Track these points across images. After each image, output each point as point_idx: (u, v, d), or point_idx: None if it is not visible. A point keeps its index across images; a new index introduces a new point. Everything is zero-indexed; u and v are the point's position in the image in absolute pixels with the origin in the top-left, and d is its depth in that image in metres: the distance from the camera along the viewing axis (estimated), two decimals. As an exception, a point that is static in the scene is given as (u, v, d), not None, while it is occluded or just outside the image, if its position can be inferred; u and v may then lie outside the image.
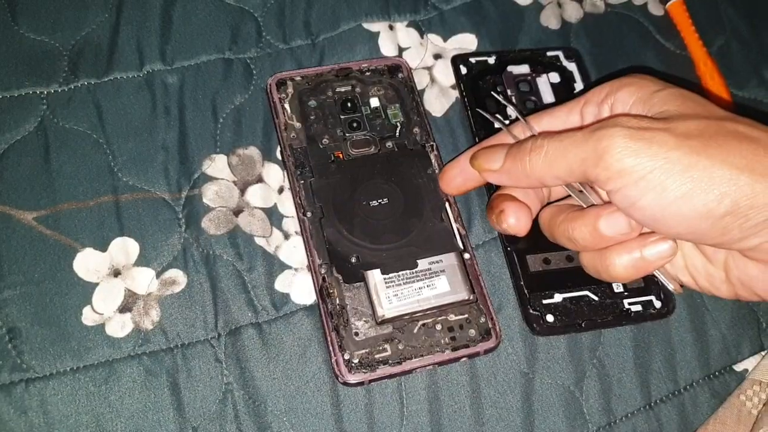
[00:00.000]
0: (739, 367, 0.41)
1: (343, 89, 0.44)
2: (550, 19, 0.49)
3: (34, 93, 0.42)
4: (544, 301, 0.39)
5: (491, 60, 0.46)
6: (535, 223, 0.41)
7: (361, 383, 0.37)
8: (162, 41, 0.44)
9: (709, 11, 0.51)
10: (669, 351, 0.40)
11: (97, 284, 0.38)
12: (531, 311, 0.39)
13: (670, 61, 0.49)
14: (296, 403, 0.37)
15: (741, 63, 0.50)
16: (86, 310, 0.37)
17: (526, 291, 0.40)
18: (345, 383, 0.36)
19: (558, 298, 0.40)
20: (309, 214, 0.39)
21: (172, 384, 0.37)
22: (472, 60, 0.46)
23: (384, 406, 0.38)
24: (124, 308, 0.38)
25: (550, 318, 0.39)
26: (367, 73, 0.44)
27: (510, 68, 0.46)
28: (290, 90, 0.43)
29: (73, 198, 0.40)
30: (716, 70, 0.48)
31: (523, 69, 0.46)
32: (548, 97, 0.45)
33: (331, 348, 0.37)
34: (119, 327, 0.37)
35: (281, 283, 0.39)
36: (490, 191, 0.41)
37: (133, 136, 0.42)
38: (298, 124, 0.42)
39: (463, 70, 0.46)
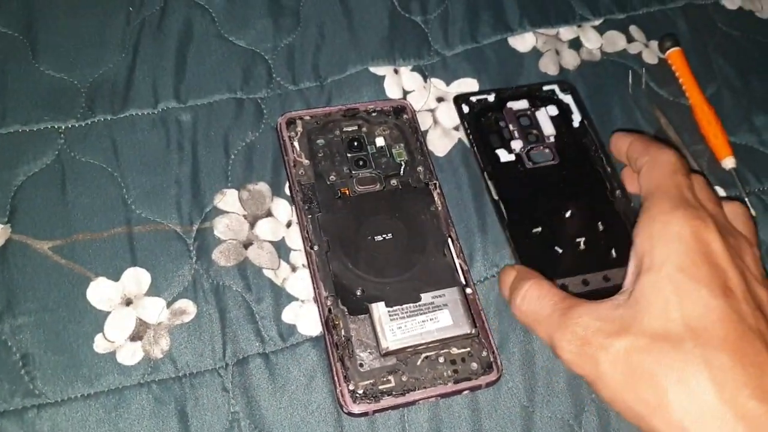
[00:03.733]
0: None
1: (350, 129, 0.45)
2: (548, 66, 0.51)
3: (52, 128, 0.44)
4: None
5: (491, 98, 0.48)
6: (553, 249, 0.43)
7: (365, 414, 0.37)
8: (176, 80, 0.46)
9: (700, 60, 0.53)
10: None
11: (109, 313, 0.39)
12: None
13: (664, 107, 0.51)
14: (301, 432, 0.38)
15: (732, 110, 0.52)
16: (98, 338, 0.38)
17: None
18: (349, 413, 0.37)
19: None
20: (316, 248, 0.41)
21: (180, 412, 0.37)
22: (473, 99, 0.48)
23: (387, 436, 0.38)
24: (135, 337, 0.39)
25: None
26: (374, 114, 0.46)
27: (510, 104, 0.48)
28: (299, 128, 0.44)
29: (87, 229, 0.41)
30: (714, 115, 0.49)
31: (522, 104, 0.48)
32: (549, 129, 0.47)
33: (336, 378, 0.38)
34: (130, 355, 0.38)
35: (288, 315, 0.40)
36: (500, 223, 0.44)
37: (147, 171, 0.43)
38: (306, 161, 0.43)
39: (465, 109, 0.48)
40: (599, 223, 0.43)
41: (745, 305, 0.32)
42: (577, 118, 0.48)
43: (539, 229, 0.43)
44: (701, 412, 0.30)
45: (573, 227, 0.43)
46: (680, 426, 0.30)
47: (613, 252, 0.43)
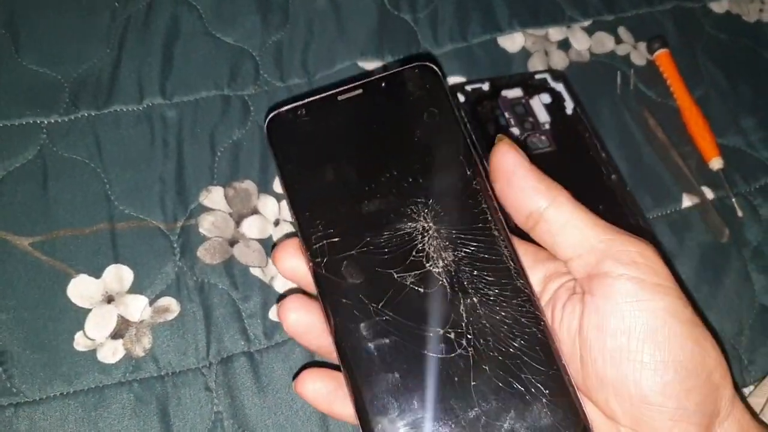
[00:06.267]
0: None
1: None
2: (537, 66, 0.51)
3: (34, 122, 0.43)
4: None
5: (485, 87, 0.48)
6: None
7: None
8: (162, 76, 0.46)
9: (688, 63, 0.53)
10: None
11: (89, 310, 0.38)
12: None
13: (652, 108, 0.51)
14: (286, 432, 0.37)
15: (720, 112, 0.52)
16: (78, 336, 0.37)
17: None
18: None
19: None
20: None
21: (161, 412, 0.37)
22: (468, 88, 0.48)
23: (373, 437, 0.38)
24: (116, 334, 0.38)
25: None
26: None
27: (504, 93, 0.48)
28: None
29: (69, 225, 0.40)
30: (701, 116, 0.50)
31: (516, 92, 0.48)
32: (543, 116, 0.47)
33: None
34: (111, 353, 0.37)
35: (275, 313, 0.40)
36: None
37: (130, 167, 0.42)
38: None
39: (462, 98, 0.47)
40: (600, 206, 0.44)
41: None
42: (569, 106, 0.49)
43: None
44: None
45: None
46: None
47: None
